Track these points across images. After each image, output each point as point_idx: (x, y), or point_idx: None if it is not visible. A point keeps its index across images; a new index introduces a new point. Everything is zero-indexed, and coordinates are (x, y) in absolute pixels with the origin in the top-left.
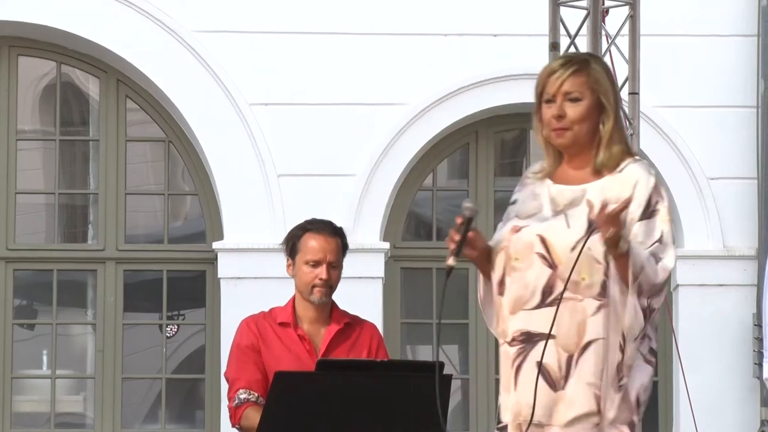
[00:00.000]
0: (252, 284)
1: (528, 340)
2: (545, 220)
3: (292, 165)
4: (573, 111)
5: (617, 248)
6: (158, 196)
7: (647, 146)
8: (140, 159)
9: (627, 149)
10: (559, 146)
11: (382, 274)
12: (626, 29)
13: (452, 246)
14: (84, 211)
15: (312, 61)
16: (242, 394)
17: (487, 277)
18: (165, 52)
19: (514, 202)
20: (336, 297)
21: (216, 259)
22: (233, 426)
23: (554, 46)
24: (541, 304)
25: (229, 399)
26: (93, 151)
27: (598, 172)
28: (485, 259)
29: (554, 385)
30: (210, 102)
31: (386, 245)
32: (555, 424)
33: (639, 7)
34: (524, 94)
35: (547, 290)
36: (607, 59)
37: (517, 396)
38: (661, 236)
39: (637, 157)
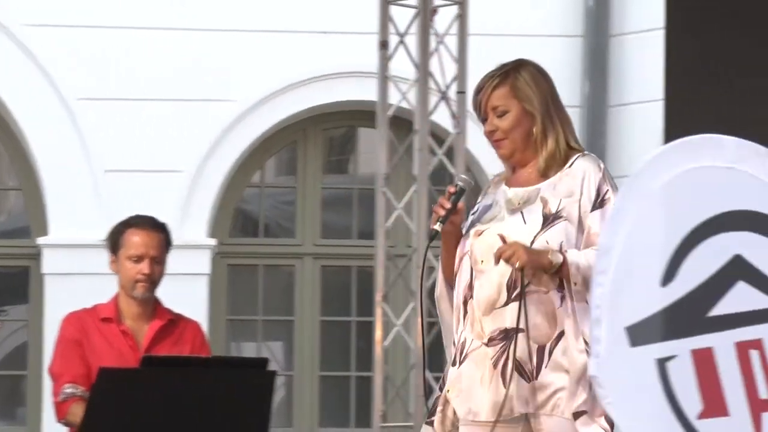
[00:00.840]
0: (78, 280)
1: (506, 337)
2: (503, 220)
3: (119, 160)
4: (502, 123)
5: (547, 269)
6: None
7: (473, 144)
8: None
9: (571, 145)
10: (502, 157)
11: (208, 270)
12: (455, 28)
13: (441, 212)
14: None
15: (140, 56)
16: (68, 389)
17: (450, 258)
18: None
19: (474, 212)
20: (162, 293)
21: (40, 254)
22: (59, 421)
23: (383, 44)
24: (509, 300)
25: (55, 394)
26: None
27: (546, 173)
28: (456, 239)
29: (529, 377)
30: (36, 96)
31: (213, 242)
32: (541, 413)
33: (467, 7)
34: (353, 91)
35: (511, 285)
36: (435, 59)
37: (500, 393)
38: None
39: (585, 152)
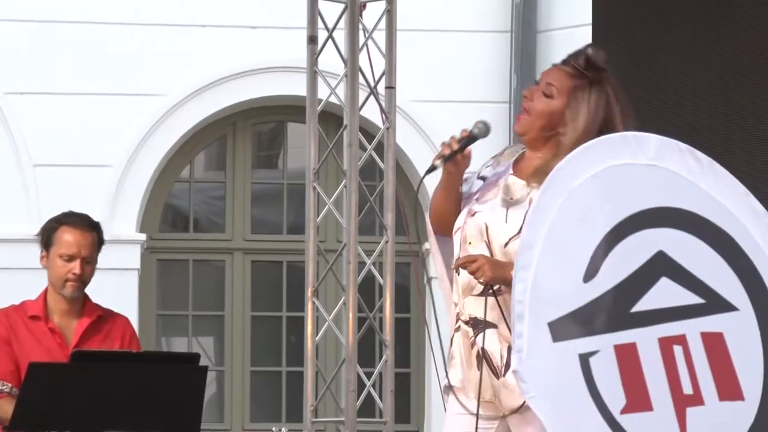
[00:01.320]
0: (6, 275)
1: (476, 325)
2: (493, 210)
3: (47, 155)
4: (538, 103)
5: (511, 283)
6: None
7: (403, 140)
8: None
9: None
10: (515, 130)
11: (138, 265)
12: (383, 24)
13: (446, 151)
14: None
15: (69, 50)
16: None
17: (444, 200)
18: None
19: (484, 178)
20: (92, 288)
21: None
22: None
23: (312, 39)
24: (484, 292)
25: None
26: None
27: (547, 172)
28: (456, 181)
29: (496, 372)
30: None
31: (143, 237)
32: (506, 410)
33: (396, 2)
34: (282, 86)
35: None
36: (364, 54)
37: (472, 373)
38: None
39: None
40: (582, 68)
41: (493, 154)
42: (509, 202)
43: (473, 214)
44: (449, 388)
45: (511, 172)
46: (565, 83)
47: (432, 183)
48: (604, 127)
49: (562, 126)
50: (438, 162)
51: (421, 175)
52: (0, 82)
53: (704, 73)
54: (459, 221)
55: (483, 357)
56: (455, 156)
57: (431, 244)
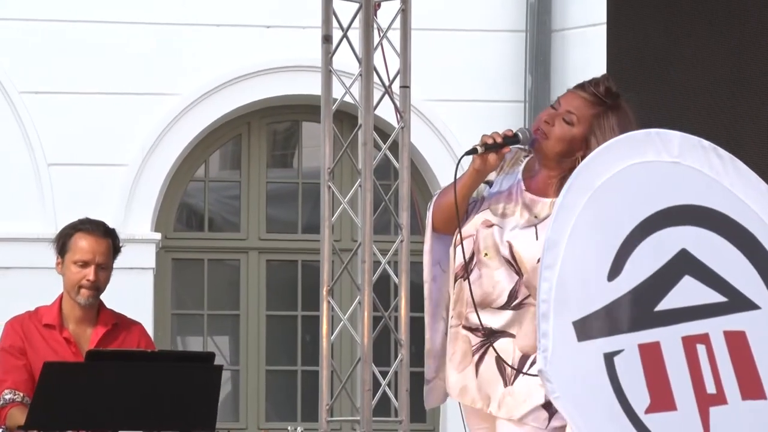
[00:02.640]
0: (20, 274)
1: (490, 335)
2: (515, 227)
3: (62, 154)
4: (558, 128)
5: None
6: None
7: (417, 139)
8: None
9: None
10: (533, 148)
11: (153, 264)
12: (398, 23)
13: (489, 140)
14: None
15: (84, 50)
16: (7, 395)
17: (459, 198)
18: None
19: (490, 183)
20: (107, 288)
21: None
22: None
23: (327, 38)
24: (506, 306)
25: None
26: None
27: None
28: (480, 180)
29: (506, 380)
30: None
31: (157, 236)
32: (504, 417)
33: (410, 1)
34: (297, 85)
35: (513, 294)
36: (378, 53)
37: (478, 384)
38: None
39: None
40: (602, 95)
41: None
42: (534, 221)
43: (490, 225)
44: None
45: (523, 187)
46: (585, 111)
47: (433, 181)
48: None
49: (583, 150)
50: (480, 148)
51: (437, 173)
52: (15, 82)
53: (718, 71)
54: (469, 229)
55: (494, 363)
56: (497, 148)
57: (426, 242)
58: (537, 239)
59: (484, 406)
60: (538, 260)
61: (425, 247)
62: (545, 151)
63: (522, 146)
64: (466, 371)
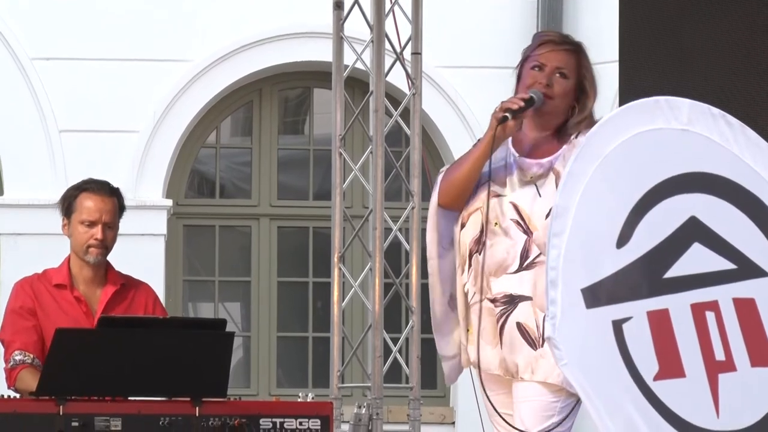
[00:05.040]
0: (31, 240)
1: (510, 301)
2: (515, 190)
3: (74, 121)
4: (558, 86)
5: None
6: None
7: (429, 106)
8: None
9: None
10: (537, 110)
11: (164, 231)
12: None
13: (514, 106)
14: None
15: (95, 16)
16: (17, 356)
17: (471, 167)
18: None
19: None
20: (119, 253)
21: None
22: (9, 388)
23: (338, 5)
24: (520, 268)
25: (5, 361)
26: None
27: (560, 140)
28: (496, 147)
29: (534, 344)
30: None
31: (169, 202)
32: (538, 381)
33: None
34: (308, 52)
35: (524, 254)
36: (390, 19)
37: (503, 353)
38: None
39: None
40: (573, 44)
41: None
42: (530, 181)
43: (495, 196)
44: (476, 366)
45: (515, 153)
46: (570, 62)
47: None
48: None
49: (579, 99)
50: (508, 114)
51: (448, 139)
52: (26, 48)
53: (731, 36)
54: (475, 203)
55: (521, 334)
56: (520, 113)
57: (430, 218)
58: (540, 196)
59: (515, 374)
60: (546, 216)
61: (430, 223)
62: (551, 109)
63: (538, 106)
64: (495, 342)
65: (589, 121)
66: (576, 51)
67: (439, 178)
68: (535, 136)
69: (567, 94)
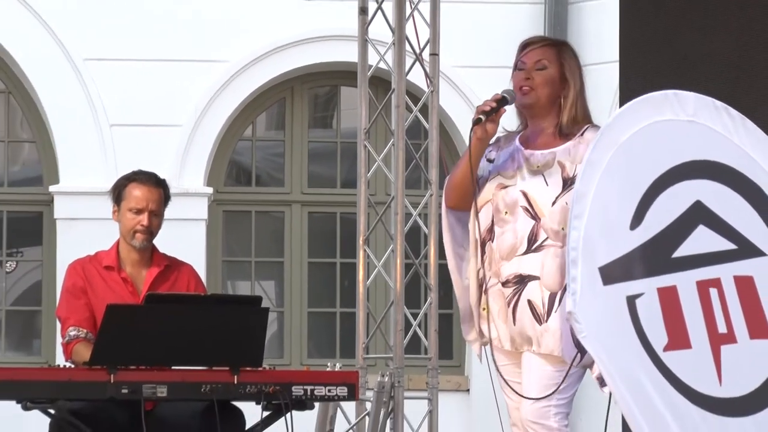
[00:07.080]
0: (85, 224)
1: (521, 281)
2: (525, 179)
3: (123, 116)
4: (537, 77)
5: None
6: None
7: (445, 102)
8: None
9: (589, 119)
10: (523, 105)
11: (205, 216)
12: None
13: (486, 108)
14: None
15: (142, 20)
16: (72, 332)
17: (465, 171)
18: (4, 9)
19: (491, 160)
20: (164, 237)
21: (52, 201)
22: (66, 360)
23: (363, 10)
24: (528, 251)
25: (62, 336)
26: None
27: (564, 136)
28: (482, 148)
29: (539, 318)
30: (47, 57)
31: (209, 190)
32: (544, 352)
33: None
34: (335, 53)
35: (532, 238)
36: (410, 23)
37: (515, 330)
38: None
39: (595, 124)
40: (553, 39)
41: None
42: (538, 170)
43: (504, 187)
44: (489, 343)
45: (521, 147)
46: (550, 54)
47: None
48: (581, 72)
49: (564, 87)
50: (482, 116)
51: (463, 133)
52: (80, 50)
53: (729, 41)
54: (485, 195)
55: (527, 307)
56: (494, 113)
57: (444, 219)
58: (547, 185)
59: (522, 346)
60: (553, 203)
61: (443, 224)
62: (535, 101)
63: (511, 104)
64: (509, 321)
65: (585, 117)
66: (555, 45)
67: (445, 186)
68: (536, 129)
69: (548, 83)
